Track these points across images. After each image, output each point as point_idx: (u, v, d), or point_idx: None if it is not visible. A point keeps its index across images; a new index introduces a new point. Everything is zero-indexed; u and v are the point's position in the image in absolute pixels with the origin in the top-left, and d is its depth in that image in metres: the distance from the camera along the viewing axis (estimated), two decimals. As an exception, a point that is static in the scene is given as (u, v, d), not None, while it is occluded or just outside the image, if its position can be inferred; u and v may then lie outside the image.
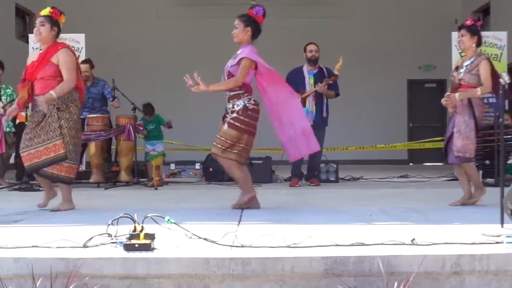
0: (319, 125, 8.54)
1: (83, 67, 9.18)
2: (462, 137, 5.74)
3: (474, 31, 5.89)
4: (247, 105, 5.53)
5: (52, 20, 5.62)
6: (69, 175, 5.53)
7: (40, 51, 5.71)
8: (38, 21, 5.63)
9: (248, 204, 5.60)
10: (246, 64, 5.54)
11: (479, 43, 5.96)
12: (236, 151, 5.52)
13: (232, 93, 5.59)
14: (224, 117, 5.64)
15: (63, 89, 5.44)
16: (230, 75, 5.61)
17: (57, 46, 5.57)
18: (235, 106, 5.55)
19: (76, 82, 5.57)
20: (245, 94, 5.56)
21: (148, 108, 9.36)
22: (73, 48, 10.15)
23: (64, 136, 5.43)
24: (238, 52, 5.67)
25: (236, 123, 5.49)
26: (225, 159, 5.55)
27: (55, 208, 5.56)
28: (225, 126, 5.54)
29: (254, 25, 5.65)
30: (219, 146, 5.52)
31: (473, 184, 5.92)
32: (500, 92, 4.54)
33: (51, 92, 5.40)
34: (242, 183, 5.67)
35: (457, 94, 5.91)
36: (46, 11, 5.64)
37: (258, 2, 15.26)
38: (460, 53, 10.39)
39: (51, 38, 5.60)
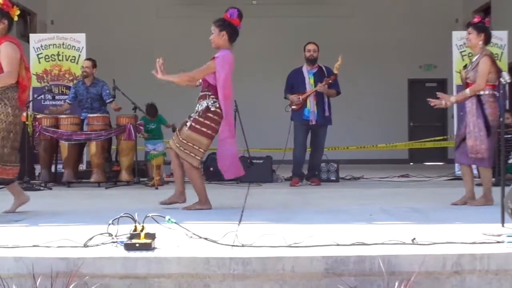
0: (321, 124, 8.55)
1: (85, 63, 9.20)
2: (472, 138, 5.70)
3: (481, 29, 5.87)
4: (210, 106, 5.50)
5: (2, 12, 5.29)
6: (13, 176, 5.30)
7: None
8: None
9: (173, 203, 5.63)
10: (211, 64, 5.53)
11: (486, 41, 5.93)
12: (194, 155, 5.49)
13: (201, 93, 5.62)
14: (188, 118, 5.60)
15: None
16: (204, 80, 5.60)
17: (1, 39, 5.23)
18: (199, 107, 5.55)
19: (20, 80, 5.24)
20: (211, 96, 5.53)
21: (152, 109, 9.38)
22: (73, 48, 10.27)
23: None
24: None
25: (196, 125, 5.47)
26: (187, 163, 5.50)
27: (7, 211, 5.39)
28: (186, 128, 5.50)
29: (229, 28, 5.63)
30: (181, 149, 5.48)
31: (483, 190, 5.85)
32: (501, 91, 4.54)
33: None
34: (201, 192, 5.64)
35: (452, 97, 5.93)
36: None
37: (258, 2, 15.32)
38: (461, 52, 10.41)
39: (3, 32, 5.29)
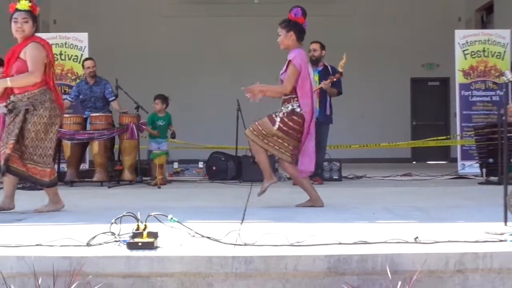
0: (322, 123, 8.54)
1: (89, 63, 9.18)
2: None
3: None
4: (295, 109, 5.54)
5: (34, 16, 5.35)
6: (49, 178, 5.35)
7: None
8: (19, 16, 5.30)
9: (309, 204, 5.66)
10: (293, 71, 5.52)
11: None
12: (279, 149, 5.56)
13: (285, 97, 5.63)
14: (274, 114, 5.63)
15: (20, 80, 5.18)
16: (282, 82, 5.65)
17: (27, 40, 5.29)
18: (284, 109, 5.59)
19: (47, 79, 5.28)
20: (295, 99, 5.56)
21: (163, 96, 9.30)
22: (76, 47, 10.28)
23: (28, 139, 5.18)
24: (288, 57, 5.63)
25: (280, 124, 5.52)
26: (252, 142, 5.60)
27: (38, 209, 5.42)
28: (273, 125, 5.53)
29: (296, 27, 5.64)
30: (288, 154, 5.57)
31: None
32: (504, 90, 4.53)
33: (7, 79, 5.19)
34: (262, 166, 5.71)
35: None
36: (25, 5, 5.32)
37: (260, 1, 15.30)
38: (463, 51, 10.41)
39: (32, 34, 5.35)
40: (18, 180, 5.55)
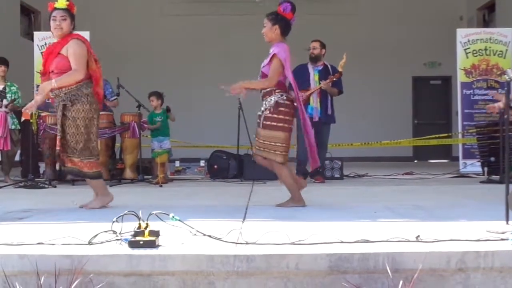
0: (324, 122, 8.55)
1: None
2: None
3: None
4: (279, 101, 5.48)
5: (71, 14, 5.44)
6: (90, 170, 5.45)
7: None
8: (57, 14, 5.38)
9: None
10: (278, 63, 5.48)
11: None
12: (276, 151, 5.46)
13: (264, 91, 5.57)
14: (258, 117, 5.58)
15: (65, 79, 5.28)
16: (264, 75, 5.59)
17: (67, 37, 5.38)
18: (266, 104, 5.52)
19: (91, 73, 5.40)
20: (277, 91, 5.50)
21: (158, 92, 9.29)
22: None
23: (69, 134, 5.33)
24: (270, 50, 5.59)
25: (269, 122, 5.45)
26: (273, 161, 5.48)
27: (87, 205, 5.51)
28: (261, 128, 5.48)
29: (282, 22, 5.59)
30: (278, 153, 5.46)
31: None
32: (505, 88, 4.53)
33: (52, 81, 5.29)
34: (291, 188, 5.59)
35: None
36: (63, 4, 5.40)
37: (262, 1, 15.31)
38: (465, 50, 10.40)
39: (70, 32, 5.43)
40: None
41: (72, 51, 5.32)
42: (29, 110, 5.67)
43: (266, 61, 5.59)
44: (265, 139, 5.47)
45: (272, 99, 5.49)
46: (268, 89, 5.54)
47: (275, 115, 5.46)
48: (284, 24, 5.59)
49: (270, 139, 5.45)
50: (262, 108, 5.55)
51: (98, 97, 5.51)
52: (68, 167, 5.45)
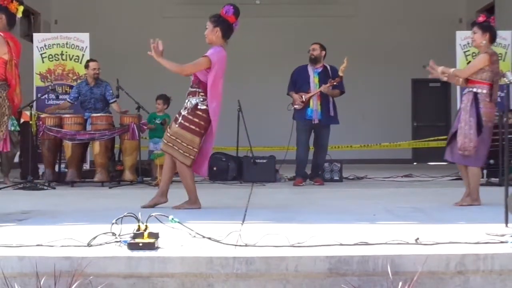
0: (325, 124, 8.54)
1: (95, 64, 9.17)
2: (462, 135, 5.61)
3: (485, 28, 5.83)
4: (199, 104, 5.48)
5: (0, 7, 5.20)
6: None
7: None
8: None
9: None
10: (201, 61, 5.51)
11: (491, 40, 5.88)
12: (188, 155, 5.47)
13: (191, 89, 5.61)
14: (178, 114, 5.58)
15: None
16: (194, 76, 5.60)
17: None
18: (188, 103, 5.53)
19: (7, 77, 5.11)
20: (201, 94, 5.52)
21: (165, 96, 9.32)
22: (77, 47, 10.26)
23: None
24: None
25: (185, 123, 5.47)
26: (179, 162, 5.50)
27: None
28: (176, 125, 5.49)
29: (223, 24, 5.62)
30: (181, 151, 5.46)
31: (470, 189, 5.77)
32: (505, 91, 4.53)
33: None
34: (191, 191, 5.64)
35: (440, 68, 5.96)
36: None
37: (262, 2, 15.31)
38: (464, 52, 10.40)
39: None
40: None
41: None
42: None
43: None
44: (177, 137, 5.46)
45: (193, 101, 5.51)
46: (193, 89, 5.57)
47: (191, 117, 5.47)
48: (225, 27, 5.65)
49: (183, 139, 5.45)
50: (183, 107, 5.56)
51: (12, 103, 5.22)
52: None
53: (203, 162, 5.70)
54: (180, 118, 5.50)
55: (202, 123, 5.47)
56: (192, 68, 5.53)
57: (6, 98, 5.16)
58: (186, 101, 5.58)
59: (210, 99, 5.49)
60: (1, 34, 5.18)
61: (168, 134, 5.52)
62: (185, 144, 5.45)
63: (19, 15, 5.40)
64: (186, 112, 5.50)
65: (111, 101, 9.04)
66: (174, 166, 5.60)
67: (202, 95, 5.51)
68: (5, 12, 5.24)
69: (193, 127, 5.45)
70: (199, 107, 5.47)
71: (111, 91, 9.03)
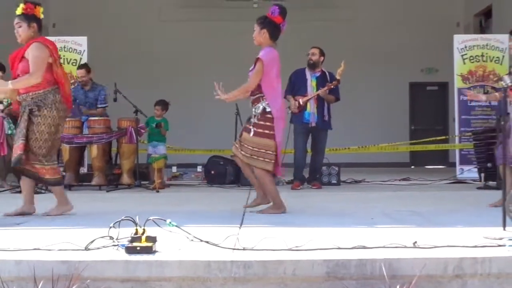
0: (321, 128, 8.55)
1: (79, 72, 9.19)
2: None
3: None
4: (266, 108, 5.45)
5: (28, 17, 5.37)
6: (51, 176, 5.37)
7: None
8: (15, 22, 5.39)
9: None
10: (258, 67, 5.45)
11: None
12: (269, 160, 5.43)
13: (253, 97, 5.56)
14: (247, 122, 5.56)
15: (21, 82, 5.22)
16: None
17: (31, 41, 5.31)
18: (256, 110, 5.50)
19: (56, 78, 5.32)
20: (264, 97, 5.47)
21: (164, 101, 9.33)
22: (75, 51, 10.27)
23: (32, 140, 5.24)
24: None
25: (258, 130, 5.44)
26: (260, 169, 5.47)
27: (47, 213, 5.42)
28: (249, 134, 5.46)
29: (270, 26, 5.55)
30: (248, 155, 5.44)
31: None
32: (502, 95, 4.54)
33: (9, 82, 5.23)
34: (275, 196, 5.56)
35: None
36: (19, 9, 5.37)
37: (260, 6, 15.32)
38: (462, 56, 10.42)
39: (32, 35, 5.36)
40: (35, 183, 5.60)
41: (30, 54, 5.26)
42: None
43: (253, 65, 5.57)
44: (254, 146, 5.45)
45: (260, 106, 5.49)
46: (256, 96, 5.53)
47: (262, 122, 5.45)
48: (272, 28, 5.57)
49: (260, 146, 5.44)
50: (252, 115, 5.55)
51: (67, 102, 5.43)
52: (29, 171, 5.34)
53: (278, 163, 5.64)
54: (252, 127, 5.47)
55: (273, 124, 5.44)
56: (255, 79, 5.46)
57: (62, 102, 5.35)
58: (253, 109, 5.53)
59: (271, 100, 5.46)
60: (39, 40, 5.34)
61: (248, 146, 5.46)
62: (263, 151, 5.41)
63: (41, 17, 5.52)
64: (256, 119, 5.47)
65: (100, 106, 9.01)
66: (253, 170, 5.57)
67: (265, 99, 5.47)
68: (35, 19, 5.41)
69: (266, 131, 5.42)
70: (267, 110, 5.45)
71: (103, 96, 9.02)
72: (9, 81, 5.28)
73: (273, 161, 5.46)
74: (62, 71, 5.48)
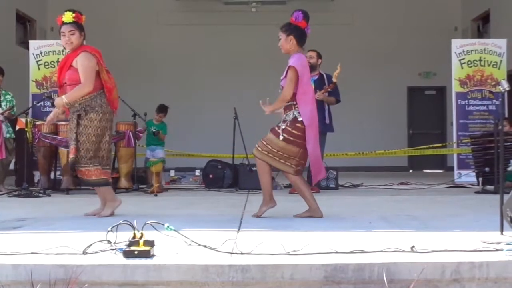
0: (320, 132, 8.52)
1: None
2: None
3: None
4: (297, 117, 5.47)
5: (80, 26, 5.57)
6: (97, 177, 5.52)
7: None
8: (66, 29, 5.51)
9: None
10: (291, 75, 5.45)
11: None
12: (290, 164, 5.47)
13: (286, 104, 5.57)
14: (277, 127, 5.56)
15: (74, 94, 5.39)
16: (282, 88, 5.58)
17: (78, 50, 5.50)
18: (286, 117, 5.52)
19: (104, 84, 5.53)
20: (296, 106, 5.48)
21: (163, 106, 9.39)
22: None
23: (79, 142, 5.42)
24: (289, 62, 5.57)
25: (289, 137, 5.45)
26: (288, 174, 5.52)
27: (100, 214, 5.57)
28: (277, 137, 5.47)
29: (296, 31, 5.54)
30: (276, 158, 5.47)
31: None
32: (500, 99, 4.55)
33: (63, 97, 5.40)
34: (264, 188, 5.61)
35: None
36: (70, 18, 5.53)
37: (258, 10, 15.33)
38: (460, 60, 10.44)
39: (81, 44, 5.57)
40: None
41: (80, 64, 5.43)
42: (47, 123, 6.04)
43: (284, 73, 5.58)
44: (279, 150, 5.48)
45: (291, 114, 5.51)
46: (288, 103, 5.54)
47: (291, 129, 5.47)
48: (298, 34, 5.56)
49: (284, 151, 5.47)
50: (282, 120, 5.56)
51: (112, 105, 5.63)
52: (83, 179, 5.58)
53: (318, 169, 5.69)
54: (282, 132, 5.48)
55: (301, 134, 5.46)
56: (291, 87, 5.45)
57: (107, 105, 5.55)
58: (284, 115, 5.55)
59: (303, 107, 5.46)
60: (87, 49, 5.54)
61: (271, 148, 5.48)
62: (287, 155, 5.45)
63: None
64: (285, 125, 5.48)
65: None
66: (269, 173, 5.59)
67: (297, 107, 5.49)
68: (82, 28, 5.62)
69: (296, 139, 5.44)
70: (298, 119, 5.46)
71: None
72: (63, 96, 5.40)
73: (293, 166, 5.49)
74: (109, 77, 5.65)
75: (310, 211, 5.61)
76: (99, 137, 5.49)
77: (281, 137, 5.47)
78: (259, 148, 5.54)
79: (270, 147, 5.49)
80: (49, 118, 5.84)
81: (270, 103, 5.66)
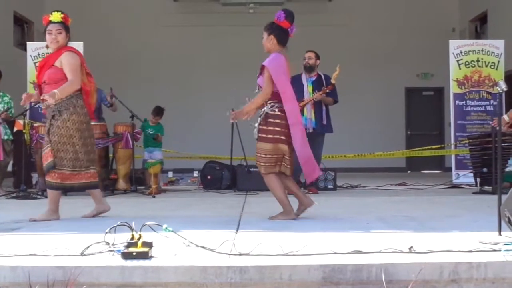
0: (318, 133, 8.55)
1: None
2: None
3: None
4: (268, 111, 5.41)
5: (66, 26, 5.56)
6: (79, 181, 5.51)
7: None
8: (53, 28, 5.48)
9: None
10: (266, 74, 5.42)
11: None
12: (263, 163, 5.40)
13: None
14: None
15: (66, 89, 5.36)
16: (260, 87, 5.55)
17: (62, 50, 5.48)
18: (259, 115, 5.48)
19: (82, 86, 5.49)
20: (268, 102, 5.44)
21: (158, 109, 9.39)
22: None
23: (53, 144, 5.37)
24: None
25: (262, 135, 5.41)
26: (265, 174, 5.43)
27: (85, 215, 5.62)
28: (257, 141, 5.45)
29: (277, 31, 5.50)
30: (261, 164, 5.41)
31: None
32: (497, 100, 4.55)
33: (55, 90, 5.33)
34: (281, 202, 5.49)
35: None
36: (58, 17, 5.52)
37: (256, 12, 15.36)
38: (457, 61, 10.45)
39: (65, 44, 5.56)
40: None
41: (66, 62, 5.41)
42: (25, 99, 5.63)
43: (258, 71, 5.56)
44: (257, 152, 5.45)
45: (262, 111, 5.47)
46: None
47: (264, 127, 5.42)
48: (279, 33, 5.51)
49: (261, 151, 5.42)
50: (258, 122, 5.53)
51: (89, 108, 5.59)
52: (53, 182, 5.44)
53: (311, 168, 5.60)
54: (257, 132, 5.45)
55: (278, 128, 5.38)
56: (269, 85, 5.40)
57: (83, 107, 5.51)
58: (259, 115, 5.53)
59: (287, 105, 5.39)
60: (72, 50, 5.55)
61: (256, 153, 5.45)
62: (263, 155, 5.38)
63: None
64: (259, 124, 5.46)
65: (108, 105, 9.06)
66: (279, 185, 5.47)
67: (269, 103, 5.43)
68: (69, 30, 5.59)
69: (269, 136, 5.37)
70: (269, 113, 5.40)
71: (104, 96, 9.02)
72: (55, 91, 5.32)
73: (262, 164, 5.40)
74: (89, 80, 5.61)
75: (284, 214, 5.48)
76: (72, 138, 5.41)
77: (258, 138, 5.41)
78: (259, 163, 5.46)
79: (263, 155, 5.40)
80: (28, 95, 5.66)
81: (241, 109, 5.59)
